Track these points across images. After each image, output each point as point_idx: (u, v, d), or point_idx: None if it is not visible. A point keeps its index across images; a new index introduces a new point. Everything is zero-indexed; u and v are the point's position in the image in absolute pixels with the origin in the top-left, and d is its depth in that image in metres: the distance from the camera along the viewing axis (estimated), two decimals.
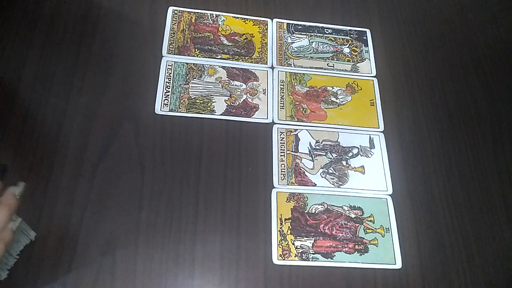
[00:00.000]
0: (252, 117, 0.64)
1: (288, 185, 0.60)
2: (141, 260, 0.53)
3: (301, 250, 0.56)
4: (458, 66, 0.76)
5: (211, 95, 0.65)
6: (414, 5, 0.81)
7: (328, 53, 0.73)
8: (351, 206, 0.61)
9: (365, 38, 0.76)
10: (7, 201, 0.42)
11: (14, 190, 0.43)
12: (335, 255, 0.57)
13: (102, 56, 0.64)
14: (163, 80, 0.64)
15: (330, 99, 0.68)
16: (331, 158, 0.64)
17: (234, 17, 0.73)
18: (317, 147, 0.64)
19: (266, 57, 0.70)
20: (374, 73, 0.72)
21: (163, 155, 0.60)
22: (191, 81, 0.66)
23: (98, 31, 0.66)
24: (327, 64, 0.72)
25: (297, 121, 0.65)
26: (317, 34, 0.74)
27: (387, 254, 0.58)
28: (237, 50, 0.69)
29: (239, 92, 0.66)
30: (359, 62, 0.73)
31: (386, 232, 0.59)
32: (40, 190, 0.54)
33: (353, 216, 0.60)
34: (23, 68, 0.62)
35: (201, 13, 0.72)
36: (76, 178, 0.56)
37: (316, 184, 0.61)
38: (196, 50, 0.68)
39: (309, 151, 0.64)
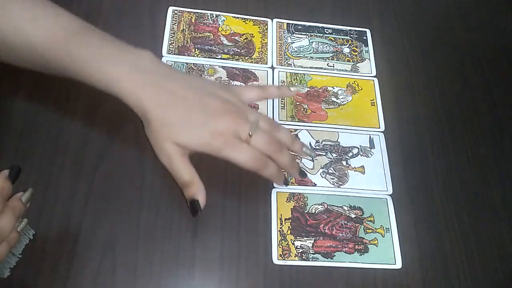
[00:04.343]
0: None
1: (288, 185, 0.60)
2: (141, 260, 0.53)
3: (301, 250, 0.56)
4: (458, 66, 0.76)
5: None
6: (414, 5, 0.81)
7: (328, 53, 0.73)
8: (351, 206, 0.61)
9: (365, 38, 0.76)
10: (13, 204, 0.44)
11: (21, 196, 0.45)
12: (335, 255, 0.57)
13: None
14: None
15: (331, 99, 0.68)
16: (331, 158, 0.64)
17: (234, 17, 0.73)
18: (317, 147, 0.64)
19: (266, 57, 0.70)
20: (374, 73, 0.72)
21: None
22: None
23: None
24: (327, 64, 0.72)
25: (297, 122, 0.65)
26: (317, 34, 0.74)
27: (387, 254, 0.58)
28: (237, 50, 0.69)
29: None
30: (359, 62, 0.73)
31: (386, 232, 0.59)
32: (40, 190, 0.54)
33: (353, 216, 0.60)
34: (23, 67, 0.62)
35: (201, 13, 0.72)
36: (76, 178, 0.56)
37: (316, 184, 0.61)
38: (196, 50, 0.68)
39: None
